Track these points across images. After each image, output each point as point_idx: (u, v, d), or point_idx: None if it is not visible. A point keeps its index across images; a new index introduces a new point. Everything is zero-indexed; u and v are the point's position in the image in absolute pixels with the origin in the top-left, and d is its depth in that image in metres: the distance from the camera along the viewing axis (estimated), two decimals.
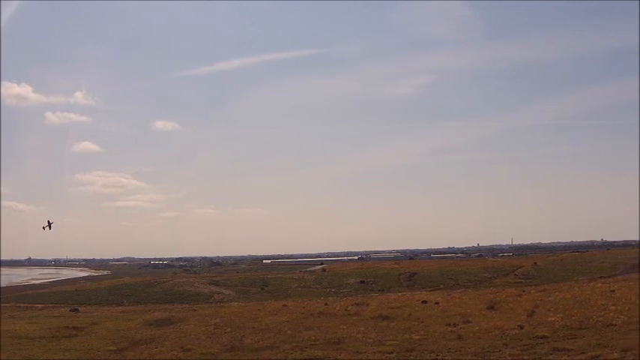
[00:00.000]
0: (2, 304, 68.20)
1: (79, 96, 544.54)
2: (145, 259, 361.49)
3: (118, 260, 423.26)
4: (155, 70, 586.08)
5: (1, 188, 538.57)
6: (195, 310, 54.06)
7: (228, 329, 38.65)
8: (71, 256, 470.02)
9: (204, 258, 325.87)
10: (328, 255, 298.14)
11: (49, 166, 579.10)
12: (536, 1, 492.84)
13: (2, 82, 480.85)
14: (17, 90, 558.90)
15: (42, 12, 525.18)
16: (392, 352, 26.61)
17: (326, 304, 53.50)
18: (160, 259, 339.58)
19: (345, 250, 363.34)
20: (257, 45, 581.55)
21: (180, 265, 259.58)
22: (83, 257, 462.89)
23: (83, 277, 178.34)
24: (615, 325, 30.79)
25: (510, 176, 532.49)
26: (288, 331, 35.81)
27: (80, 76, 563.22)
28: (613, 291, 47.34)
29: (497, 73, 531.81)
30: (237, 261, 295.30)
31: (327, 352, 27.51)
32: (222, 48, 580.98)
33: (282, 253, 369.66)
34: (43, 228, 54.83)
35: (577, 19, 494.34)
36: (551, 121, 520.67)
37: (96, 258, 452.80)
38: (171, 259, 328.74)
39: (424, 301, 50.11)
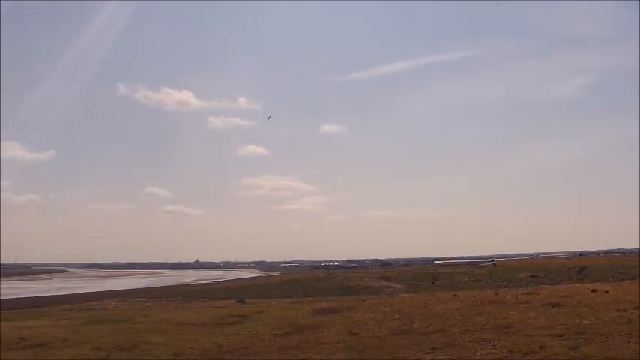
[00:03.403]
0: (167, 299, 71.23)
1: (242, 101, 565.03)
2: (315, 262, 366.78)
3: (288, 262, 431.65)
4: (316, 74, 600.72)
5: (162, 192, 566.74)
6: (364, 301, 54.85)
7: (397, 316, 39.02)
8: (240, 259, 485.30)
9: (375, 260, 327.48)
10: (498, 257, 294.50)
11: (215, 170, 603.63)
12: None
13: (163, 89, 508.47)
14: (178, 96, 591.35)
15: (197, 20, 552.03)
16: (562, 335, 26.25)
17: (496, 294, 53.15)
18: (331, 262, 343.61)
19: (516, 251, 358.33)
20: (411, 48, 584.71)
21: (351, 266, 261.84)
22: (253, 260, 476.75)
23: (251, 277, 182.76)
24: None
25: None
26: (458, 317, 35.81)
27: (242, 81, 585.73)
28: None
29: None
30: (408, 262, 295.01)
31: (497, 335, 27.44)
32: (380, 52, 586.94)
33: (453, 254, 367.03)
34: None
35: None
36: None
37: (266, 260, 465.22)
38: (342, 261, 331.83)
39: (593, 290, 48.88)
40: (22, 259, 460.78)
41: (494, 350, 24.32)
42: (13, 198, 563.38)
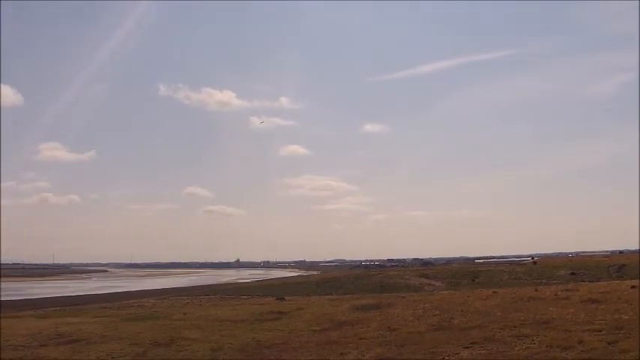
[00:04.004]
0: (206, 297, 71.97)
1: (284, 101, 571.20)
2: (355, 261, 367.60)
3: (328, 262, 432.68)
4: (357, 74, 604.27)
5: (203, 192, 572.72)
6: (403, 297, 55.07)
7: (437, 312, 39.23)
8: (280, 259, 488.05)
9: (416, 259, 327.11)
10: (539, 255, 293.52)
11: (256, 170, 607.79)
12: None
13: (204, 89, 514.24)
14: (220, 96, 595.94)
15: (237, 20, 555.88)
16: (601, 331, 26.31)
17: (536, 291, 53.10)
18: (371, 261, 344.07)
19: (556, 250, 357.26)
20: (452, 47, 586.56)
21: (392, 265, 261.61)
22: (293, 259, 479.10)
23: (292, 276, 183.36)
24: None
25: None
26: (498, 313, 35.93)
27: (283, 81, 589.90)
28: None
29: None
30: (449, 261, 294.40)
31: (536, 331, 27.60)
32: (422, 51, 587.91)
33: (495, 254, 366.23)
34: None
35: None
36: None
37: (306, 260, 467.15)
38: (383, 261, 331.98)
39: (633, 287, 48.62)
40: (61, 260, 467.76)
41: (532, 345, 24.52)
42: (54, 198, 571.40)
